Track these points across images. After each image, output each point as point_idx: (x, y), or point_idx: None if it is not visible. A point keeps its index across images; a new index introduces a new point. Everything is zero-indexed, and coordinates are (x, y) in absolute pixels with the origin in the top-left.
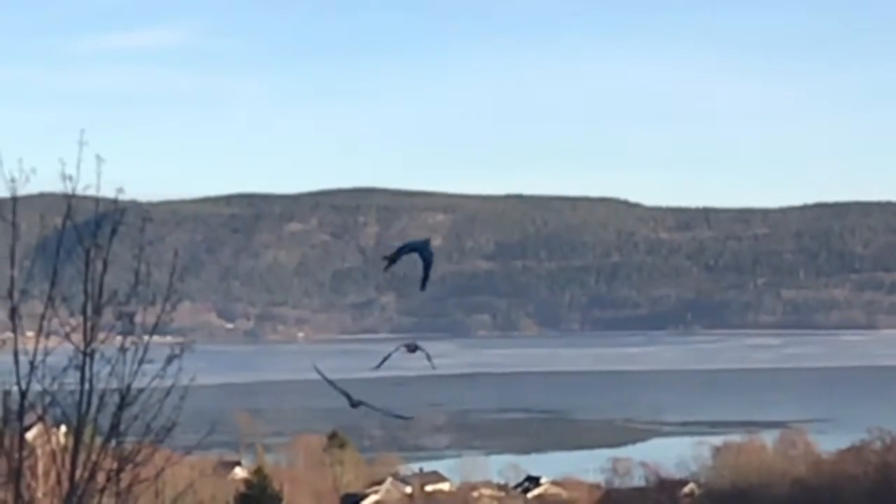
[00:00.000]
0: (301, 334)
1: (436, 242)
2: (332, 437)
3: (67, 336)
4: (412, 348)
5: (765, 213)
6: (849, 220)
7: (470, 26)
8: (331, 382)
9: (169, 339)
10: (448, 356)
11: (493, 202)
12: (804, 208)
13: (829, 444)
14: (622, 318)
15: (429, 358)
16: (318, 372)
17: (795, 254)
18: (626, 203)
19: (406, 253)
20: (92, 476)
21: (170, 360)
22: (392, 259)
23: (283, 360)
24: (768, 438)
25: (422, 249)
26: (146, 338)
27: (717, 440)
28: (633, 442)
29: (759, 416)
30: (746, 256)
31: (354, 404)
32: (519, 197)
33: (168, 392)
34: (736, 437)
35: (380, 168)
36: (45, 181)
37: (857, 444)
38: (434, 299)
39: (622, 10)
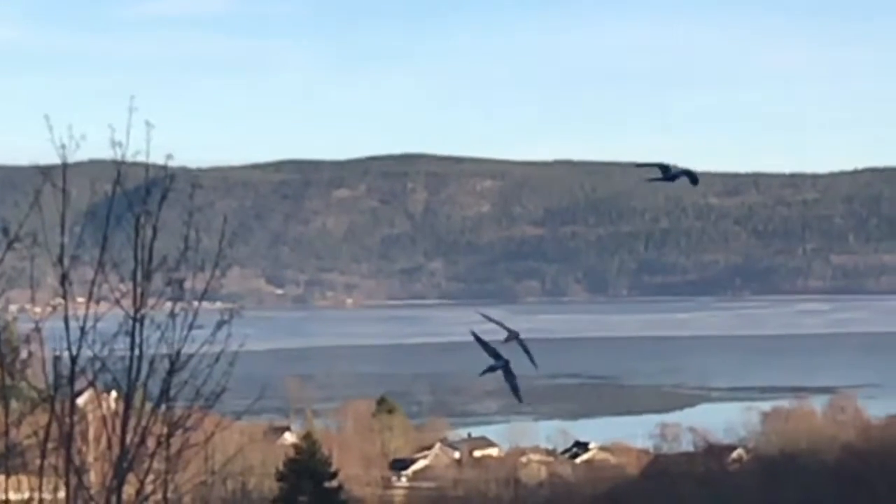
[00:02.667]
0: (350, 300)
1: (484, 209)
2: (381, 402)
3: (118, 302)
4: (511, 338)
5: (814, 178)
6: None
7: None
8: (484, 343)
9: (218, 304)
10: None
11: (542, 168)
12: (854, 173)
13: (878, 409)
14: (671, 284)
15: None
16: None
17: (845, 219)
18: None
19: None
20: (142, 441)
21: (219, 325)
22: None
23: (332, 325)
24: (817, 404)
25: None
26: (196, 304)
27: (766, 406)
28: (682, 408)
29: (807, 381)
30: (796, 221)
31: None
32: (567, 162)
33: (217, 358)
34: (785, 403)
35: (428, 134)
36: (94, 147)
37: None
38: (483, 265)
39: None
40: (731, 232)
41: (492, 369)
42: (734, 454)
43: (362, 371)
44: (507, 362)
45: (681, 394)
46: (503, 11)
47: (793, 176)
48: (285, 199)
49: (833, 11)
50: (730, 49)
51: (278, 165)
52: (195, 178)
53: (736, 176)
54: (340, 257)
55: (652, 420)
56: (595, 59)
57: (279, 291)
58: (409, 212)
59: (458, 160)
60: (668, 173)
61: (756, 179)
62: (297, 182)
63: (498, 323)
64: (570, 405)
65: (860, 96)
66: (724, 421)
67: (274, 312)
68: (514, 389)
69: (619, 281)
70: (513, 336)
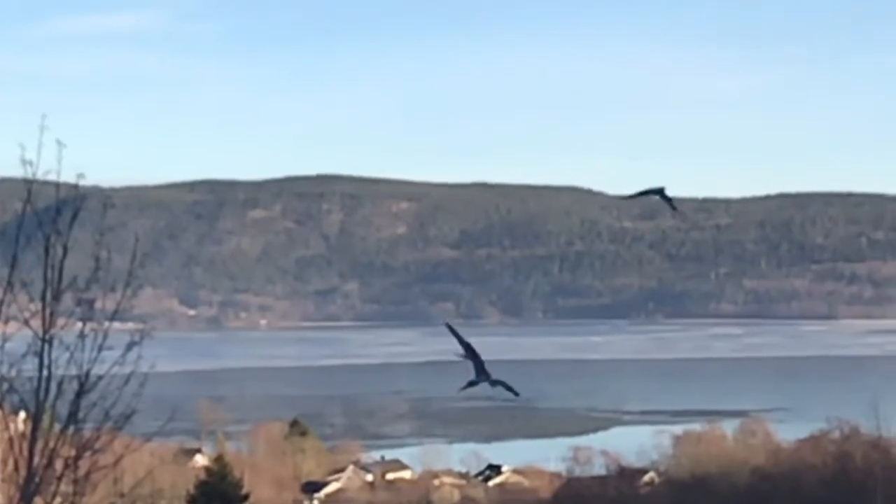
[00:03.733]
0: (264, 321)
1: (400, 231)
2: (294, 424)
3: (26, 322)
4: (493, 383)
5: (727, 203)
6: (810, 211)
7: (433, 14)
8: (467, 356)
9: (129, 325)
10: (411, 344)
11: (458, 190)
12: (766, 198)
13: (788, 433)
14: (585, 307)
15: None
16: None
17: (757, 244)
18: (589, 192)
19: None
20: (50, 463)
21: (129, 347)
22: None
23: (245, 347)
24: (728, 427)
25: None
26: (106, 324)
27: (678, 429)
28: (594, 431)
29: (719, 405)
30: (708, 246)
31: (478, 381)
32: (483, 185)
33: (127, 379)
34: (696, 426)
35: (344, 155)
36: (4, 166)
37: (815, 433)
38: (397, 287)
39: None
40: (644, 256)
41: (472, 384)
42: (646, 477)
43: (275, 393)
44: (488, 376)
45: (593, 417)
46: (420, 34)
47: (706, 201)
48: (199, 219)
49: (743, 39)
50: (643, 76)
51: (192, 185)
52: (107, 198)
53: (650, 199)
54: (254, 278)
55: (564, 443)
56: (511, 83)
57: (192, 312)
58: (325, 233)
59: (374, 181)
60: (649, 192)
61: None
62: (212, 202)
63: (458, 336)
64: (483, 428)
65: (771, 123)
66: (636, 444)
67: (186, 333)
68: (508, 388)
69: (534, 304)
70: (469, 353)
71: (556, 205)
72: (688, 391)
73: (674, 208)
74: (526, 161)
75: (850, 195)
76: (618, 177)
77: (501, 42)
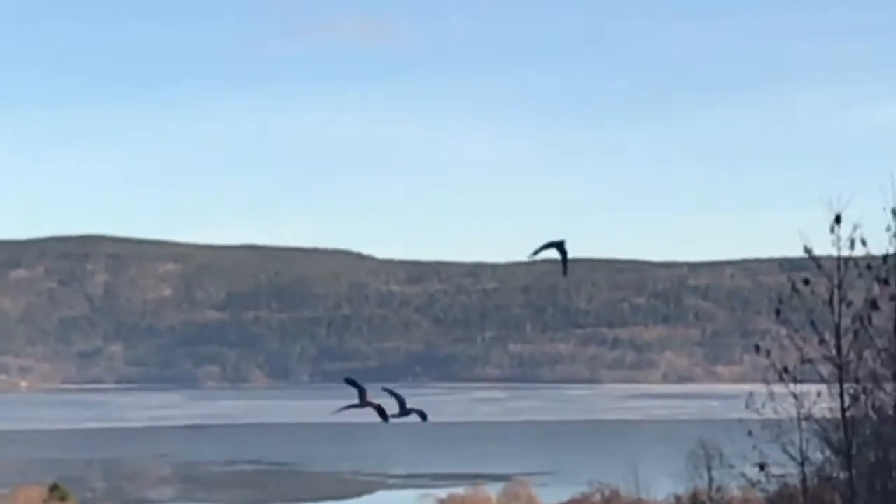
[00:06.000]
0: (24, 383)
1: (165, 292)
2: (54, 488)
3: None
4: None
5: (494, 268)
6: (574, 277)
7: (200, 74)
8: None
9: None
10: (175, 407)
11: (225, 252)
12: (531, 263)
13: (550, 496)
14: (352, 371)
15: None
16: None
17: (523, 308)
18: (358, 255)
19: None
20: None
21: None
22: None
23: (4, 409)
24: (492, 491)
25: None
26: None
27: (442, 493)
28: (360, 494)
29: (483, 468)
30: (475, 310)
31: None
32: (251, 247)
33: None
34: (460, 490)
35: (109, 216)
36: None
37: (577, 496)
38: (162, 349)
39: (356, 62)
40: (412, 319)
41: (404, 413)
42: None
43: (34, 456)
44: (416, 411)
45: (359, 480)
46: (185, 94)
47: (473, 265)
48: None
49: (513, 105)
50: (410, 139)
51: None
52: None
53: (418, 264)
54: (15, 339)
55: None
56: (279, 145)
57: None
58: (89, 294)
59: (140, 242)
60: (551, 245)
61: (437, 268)
62: None
63: (355, 385)
64: (248, 492)
65: (538, 188)
66: None
67: None
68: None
69: (301, 367)
70: (365, 404)
71: (325, 268)
72: (453, 455)
73: (565, 269)
74: (293, 223)
75: (612, 261)
76: (386, 241)
77: (270, 103)
